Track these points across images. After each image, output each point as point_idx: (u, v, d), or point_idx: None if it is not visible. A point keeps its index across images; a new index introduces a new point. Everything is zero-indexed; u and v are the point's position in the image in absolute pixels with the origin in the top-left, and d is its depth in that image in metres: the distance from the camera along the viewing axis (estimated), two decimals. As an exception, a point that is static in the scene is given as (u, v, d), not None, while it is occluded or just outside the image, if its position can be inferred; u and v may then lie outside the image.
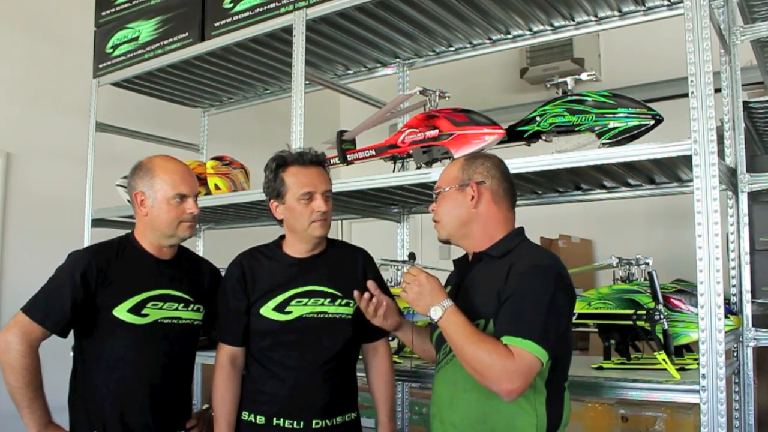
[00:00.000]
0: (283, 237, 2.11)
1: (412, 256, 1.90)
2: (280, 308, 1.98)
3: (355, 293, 1.92)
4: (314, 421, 1.94)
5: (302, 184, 1.99)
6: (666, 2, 2.52)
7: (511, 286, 1.61)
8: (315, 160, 2.04)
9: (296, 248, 2.06)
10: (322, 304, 2.00)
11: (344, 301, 2.02)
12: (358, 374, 2.13)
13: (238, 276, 2.04)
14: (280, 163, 2.03)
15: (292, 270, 2.03)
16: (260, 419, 1.97)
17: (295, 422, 1.93)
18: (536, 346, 1.53)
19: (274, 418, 1.94)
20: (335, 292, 2.02)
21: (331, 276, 2.03)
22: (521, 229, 1.81)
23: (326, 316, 2.00)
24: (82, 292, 1.93)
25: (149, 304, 2.00)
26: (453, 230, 1.81)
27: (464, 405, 1.69)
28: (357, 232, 6.03)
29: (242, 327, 2.02)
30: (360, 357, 2.15)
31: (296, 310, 1.98)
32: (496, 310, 1.62)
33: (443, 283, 1.96)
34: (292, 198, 2.00)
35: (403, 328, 2.00)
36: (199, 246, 4.00)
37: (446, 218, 1.81)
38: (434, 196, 1.86)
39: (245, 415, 1.99)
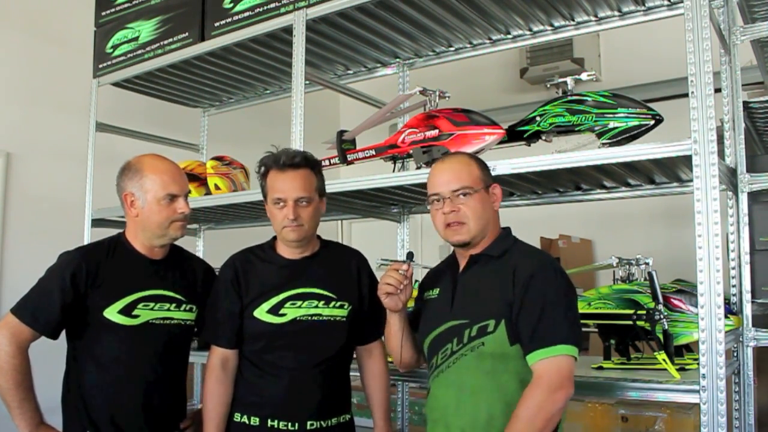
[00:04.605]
0: (275, 238, 2.09)
1: (410, 256, 1.88)
2: (274, 311, 1.96)
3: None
4: (309, 422, 1.92)
5: (274, 189, 1.97)
6: (666, 2, 2.52)
7: (524, 292, 1.64)
8: (290, 164, 1.96)
9: (286, 249, 2.05)
10: (317, 307, 1.99)
11: (338, 304, 2.01)
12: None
13: (231, 278, 2.01)
14: (262, 165, 2.02)
15: (286, 272, 2.01)
16: (254, 420, 1.94)
17: (289, 423, 1.91)
18: (566, 346, 1.59)
19: (269, 420, 1.92)
20: (330, 295, 2.00)
21: (325, 278, 2.02)
22: (509, 228, 1.85)
23: (321, 318, 1.98)
24: (72, 294, 1.91)
25: (140, 305, 1.98)
26: (479, 231, 1.75)
27: (471, 408, 1.68)
28: (357, 232, 6.03)
29: (235, 329, 1.99)
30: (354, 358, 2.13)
31: (291, 313, 1.97)
32: (508, 314, 1.65)
33: (417, 288, 1.97)
34: (269, 201, 2.00)
35: (400, 315, 1.89)
36: (198, 246, 4.00)
37: (475, 220, 1.74)
38: (458, 195, 1.75)
39: (238, 417, 1.97)
